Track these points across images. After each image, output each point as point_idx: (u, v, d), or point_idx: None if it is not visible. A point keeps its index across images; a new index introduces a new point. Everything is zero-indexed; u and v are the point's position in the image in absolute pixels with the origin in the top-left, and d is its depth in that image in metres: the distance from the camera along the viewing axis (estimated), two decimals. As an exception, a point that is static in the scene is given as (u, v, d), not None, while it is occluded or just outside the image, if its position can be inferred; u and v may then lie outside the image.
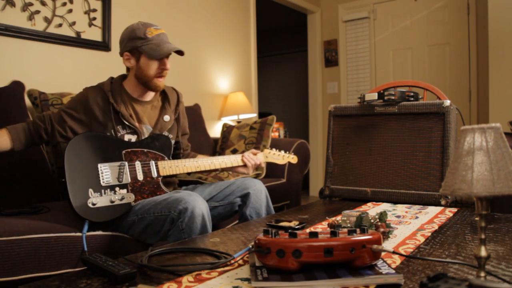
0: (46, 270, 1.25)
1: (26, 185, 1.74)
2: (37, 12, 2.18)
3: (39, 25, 2.20)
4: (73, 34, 2.35)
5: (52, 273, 1.26)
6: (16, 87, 1.89)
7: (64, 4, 2.30)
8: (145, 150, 1.54)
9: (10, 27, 2.06)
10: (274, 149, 1.80)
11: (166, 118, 1.68)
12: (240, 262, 0.89)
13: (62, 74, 2.31)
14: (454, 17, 3.95)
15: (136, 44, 1.52)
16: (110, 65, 2.57)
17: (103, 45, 2.51)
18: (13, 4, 2.09)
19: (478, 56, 3.81)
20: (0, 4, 2.04)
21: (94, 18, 2.46)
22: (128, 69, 1.64)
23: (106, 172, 1.43)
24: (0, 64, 2.05)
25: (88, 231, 1.34)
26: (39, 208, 1.55)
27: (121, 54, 1.60)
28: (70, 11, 2.33)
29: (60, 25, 2.29)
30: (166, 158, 1.57)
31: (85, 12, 2.42)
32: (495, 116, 3.21)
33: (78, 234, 1.35)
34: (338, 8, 4.62)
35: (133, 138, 1.57)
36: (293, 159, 1.82)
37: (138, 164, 1.50)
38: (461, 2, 3.90)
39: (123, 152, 1.49)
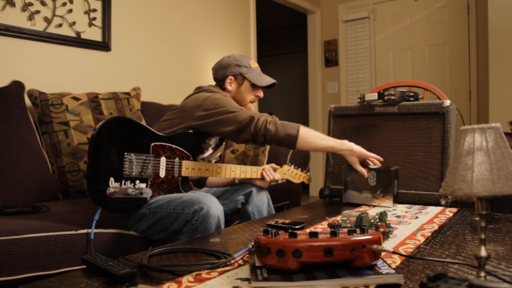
0: (46, 269, 1.25)
1: (26, 185, 1.74)
2: (37, 12, 2.19)
3: (39, 25, 2.20)
4: (73, 34, 2.35)
5: (52, 272, 1.26)
6: (16, 87, 1.89)
7: (64, 4, 2.30)
8: (174, 146, 1.53)
9: (10, 27, 2.06)
10: (292, 166, 1.81)
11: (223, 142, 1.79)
12: (240, 262, 0.89)
13: (62, 74, 2.31)
14: (454, 17, 3.95)
15: (241, 70, 1.70)
16: (110, 65, 2.57)
17: (103, 45, 2.51)
18: (13, 4, 2.09)
19: (478, 56, 3.81)
20: (0, 4, 2.04)
21: (94, 18, 2.46)
22: (222, 88, 1.73)
23: (131, 162, 1.41)
24: (0, 64, 2.05)
25: (90, 224, 1.34)
26: (38, 208, 1.55)
27: (220, 78, 1.73)
28: (70, 11, 2.33)
29: (60, 25, 2.29)
30: (191, 158, 1.56)
31: (85, 12, 2.42)
32: (495, 116, 3.21)
33: (79, 232, 1.35)
34: (338, 8, 4.62)
35: (210, 149, 1.68)
36: (308, 180, 1.84)
37: (163, 160, 1.49)
38: (461, 2, 3.90)
39: (152, 144, 1.48)
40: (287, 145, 1.50)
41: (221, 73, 1.73)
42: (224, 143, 1.79)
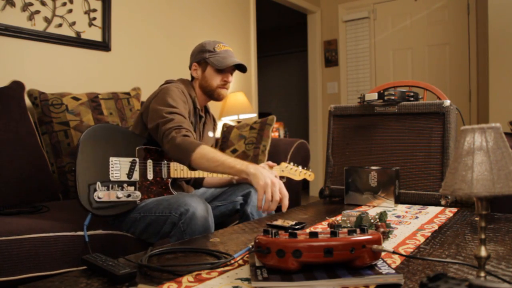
0: (46, 270, 1.25)
1: (26, 185, 1.74)
2: (37, 12, 2.19)
3: (39, 25, 2.20)
4: (73, 34, 2.35)
5: (52, 273, 1.26)
6: (16, 87, 1.89)
7: (64, 4, 2.30)
8: (159, 149, 1.52)
9: (10, 27, 2.06)
10: (291, 164, 1.78)
11: (210, 134, 1.76)
12: (240, 262, 0.89)
13: (62, 74, 2.31)
14: (454, 17, 3.95)
15: (204, 55, 1.65)
16: (110, 65, 2.57)
17: (103, 45, 2.51)
18: (13, 4, 2.09)
19: (478, 56, 3.80)
20: (0, 4, 2.04)
21: (94, 18, 2.46)
22: (192, 79, 1.72)
23: (117, 166, 1.41)
24: (0, 64, 2.05)
25: (90, 225, 1.34)
26: (39, 208, 1.55)
27: (190, 66, 1.71)
28: (70, 11, 2.33)
29: (60, 25, 2.29)
30: None
31: (85, 12, 2.42)
32: (495, 116, 3.21)
33: (79, 233, 1.35)
34: (338, 8, 4.62)
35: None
36: (310, 176, 1.81)
37: (149, 163, 1.49)
38: (461, 2, 3.90)
39: (137, 148, 1.48)
40: (185, 166, 1.41)
41: (190, 61, 1.72)
42: (217, 142, 1.78)
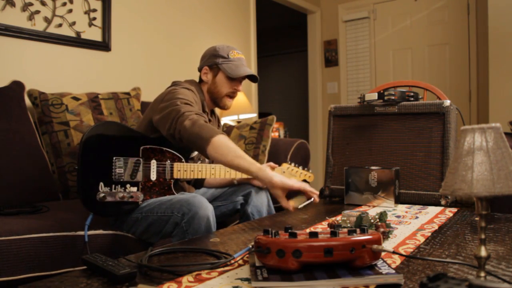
0: (46, 270, 1.25)
1: (26, 185, 1.74)
2: (37, 12, 2.19)
3: (39, 25, 2.20)
4: (73, 34, 2.35)
5: (52, 273, 1.26)
6: (16, 87, 1.89)
7: (64, 4, 2.30)
8: (164, 148, 1.51)
9: (10, 27, 2.06)
10: (292, 164, 1.78)
11: None
12: (240, 262, 0.89)
13: (62, 74, 2.31)
14: (454, 17, 3.95)
15: (217, 61, 1.63)
16: (110, 65, 2.57)
17: (103, 45, 2.51)
18: (13, 4, 2.09)
19: (478, 56, 3.81)
20: (0, 4, 2.04)
21: (94, 18, 2.46)
22: (201, 81, 1.71)
23: (120, 166, 1.40)
24: (0, 64, 2.05)
25: (90, 225, 1.34)
26: (39, 208, 1.55)
27: (200, 68, 1.70)
28: (70, 11, 2.33)
29: (60, 25, 2.29)
30: (183, 160, 1.55)
31: (85, 12, 2.42)
32: (495, 116, 3.21)
33: (79, 233, 1.35)
34: (338, 8, 4.62)
35: None
36: (309, 177, 1.81)
37: (153, 163, 1.48)
38: (461, 2, 3.90)
39: (141, 148, 1.47)
40: (199, 148, 1.34)
41: (201, 63, 1.70)
42: None
